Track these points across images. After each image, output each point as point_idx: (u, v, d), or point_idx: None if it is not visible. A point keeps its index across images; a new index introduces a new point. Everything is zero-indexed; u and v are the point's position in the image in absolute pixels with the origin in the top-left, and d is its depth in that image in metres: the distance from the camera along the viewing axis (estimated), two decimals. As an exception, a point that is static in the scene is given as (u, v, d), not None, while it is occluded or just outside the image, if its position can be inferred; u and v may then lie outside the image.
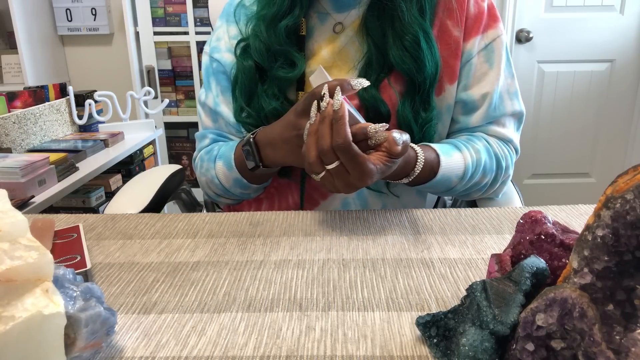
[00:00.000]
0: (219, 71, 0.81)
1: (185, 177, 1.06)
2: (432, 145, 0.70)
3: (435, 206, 0.91)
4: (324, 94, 0.56)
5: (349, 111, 0.57)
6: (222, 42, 0.82)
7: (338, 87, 0.56)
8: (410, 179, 0.66)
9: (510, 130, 0.77)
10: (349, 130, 0.54)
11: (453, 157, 0.70)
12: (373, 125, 0.57)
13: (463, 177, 0.71)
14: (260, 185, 0.77)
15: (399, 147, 0.56)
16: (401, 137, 0.56)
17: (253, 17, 0.77)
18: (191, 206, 1.04)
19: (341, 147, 0.53)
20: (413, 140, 0.69)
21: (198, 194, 1.09)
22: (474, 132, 0.77)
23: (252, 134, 0.69)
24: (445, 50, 0.73)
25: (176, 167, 1.02)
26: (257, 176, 0.73)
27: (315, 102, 0.57)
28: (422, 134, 0.71)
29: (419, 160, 0.65)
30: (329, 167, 0.55)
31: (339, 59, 0.75)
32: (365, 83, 0.59)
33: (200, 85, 0.88)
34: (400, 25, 0.70)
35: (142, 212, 0.88)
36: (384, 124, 0.57)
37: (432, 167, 0.68)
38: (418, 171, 0.65)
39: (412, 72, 0.69)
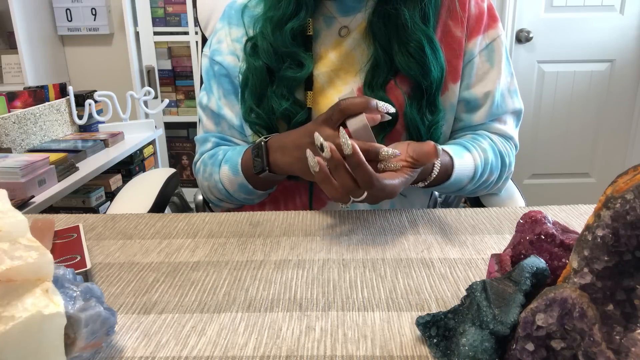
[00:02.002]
0: (221, 74, 0.81)
1: (179, 180, 1.05)
2: (446, 148, 0.71)
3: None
4: (322, 143, 0.54)
5: (363, 129, 0.58)
6: (224, 45, 0.81)
7: (342, 129, 0.55)
8: (426, 183, 0.67)
9: (510, 127, 0.79)
10: (369, 168, 0.54)
11: (464, 159, 0.71)
12: (385, 148, 0.58)
13: (473, 177, 0.72)
14: (264, 192, 0.77)
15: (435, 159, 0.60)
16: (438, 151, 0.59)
17: (260, 18, 0.77)
18: (183, 210, 1.04)
19: (368, 186, 0.54)
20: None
21: (189, 195, 1.09)
22: (476, 130, 0.78)
23: (266, 138, 0.69)
24: (449, 51, 0.74)
25: (171, 170, 1.01)
26: (262, 181, 0.73)
27: (309, 152, 0.56)
28: (430, 135, 0.72)
29: (435, 165, 0.66)
30: (359, 199, 0.57)
31: (345, 62, 0.75)
32: (391, 109, 0.61)
33: (201, 86, 0.88)
34: (404, 32, 0.71)
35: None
36: (396, 151, 0.58)
37: (447, 170, 0.69)
38: (434, 175, 0.66)
39: (418, 77, 0.70)
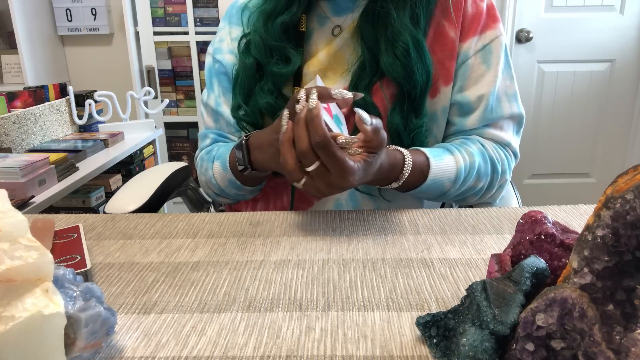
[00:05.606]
0: (221, 72, 0.83)
1: (190, 174, 1.06)
2: (422, 149, 0.69)
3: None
4: (300, 97, 0.55)
5: (324, 120, 0.56)
6: (225, 44, 0.83)
7: (313, 89, 0.55)
8: (399, 183, 0.65)
9: (508, 133, 0.76)
10: (325, 127, 0.53)
11: (444, 161, 0.69)
12: (345, 135, 0.56)
13: (456, 180, 0.70)
14: (254, 188, 0.77)
15: (369, 127, 0.55)
16: (370, 118, 0.55)
17: (255, 12, 0.79)
18: (198, 203, 1.05)
19: (320, 145, 0.53)
20: (402, 146, 0.69)
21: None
22: (469, 134, 0.76)
23: (246, 136, 0.69)
24: (441, 52, 0.72)
25: (181, 164, 1.03)
26: (249, 178, 0.73)
27: (285, 111, 0.56)
28: (411, 139, 0.71)
29: (406, 164, 0.64)
30: (309, 168, 0.55)
31: (334, 61, 0.75)
32: (347, 94, 0.58)
33: (201, 86, 0.90)
34: (392, 32, 0.70)
35: (142, 207, 0.89)
36: (355, 137, 0.56)
37: (422, 171, 0.67)
38: (407, 175, 0.64)
39: (401, 80, 0.69)
